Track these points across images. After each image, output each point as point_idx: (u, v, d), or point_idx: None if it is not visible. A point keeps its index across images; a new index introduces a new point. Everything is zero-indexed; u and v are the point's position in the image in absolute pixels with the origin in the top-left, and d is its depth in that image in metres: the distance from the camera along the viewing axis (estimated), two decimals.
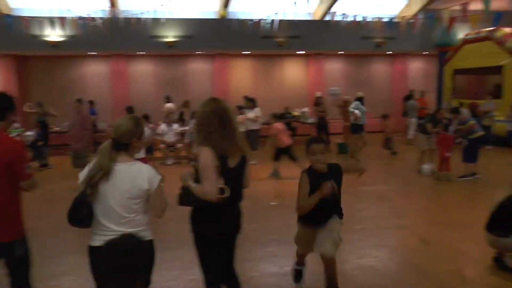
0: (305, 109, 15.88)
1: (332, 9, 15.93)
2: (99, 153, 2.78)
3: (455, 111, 10.31)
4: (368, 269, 4.80)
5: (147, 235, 2.84)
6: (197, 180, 3.00)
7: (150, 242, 2.81)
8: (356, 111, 11.66)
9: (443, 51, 16.59)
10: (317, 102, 14.18)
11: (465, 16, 11.59)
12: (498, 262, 4.72)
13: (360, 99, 12.02)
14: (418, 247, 5.51)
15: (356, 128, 11.86)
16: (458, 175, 9.27)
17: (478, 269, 4.82)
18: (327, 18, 16.25)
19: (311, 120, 15.10)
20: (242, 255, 5.05)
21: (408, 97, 15.77)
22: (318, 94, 15.25)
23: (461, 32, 15.93)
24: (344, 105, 12.87)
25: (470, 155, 9.29)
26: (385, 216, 6.89)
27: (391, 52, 18.26)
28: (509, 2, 9.54)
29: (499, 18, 10.60)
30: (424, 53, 18.54)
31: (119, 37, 14.82)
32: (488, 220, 4.77)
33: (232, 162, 3.09)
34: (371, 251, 5.33)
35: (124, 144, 2.80)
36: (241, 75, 17.65)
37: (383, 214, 7.01)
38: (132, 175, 2.77)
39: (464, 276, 4.67)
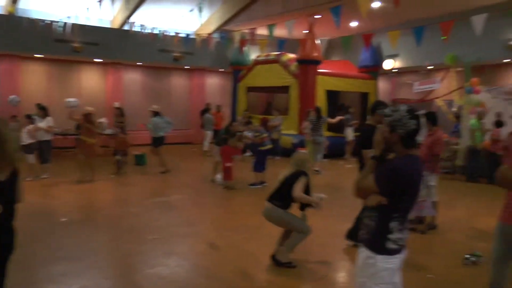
0: (103, 120, 15.26)
1: (131, 19, 15.74)
2: None
3: (249, 122, 11.02)
4: (159, 278, 4.81)
5: None
6: None
7: None
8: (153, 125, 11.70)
9: (237, 70, 17.90)
10: (117, 113, 13.77)
11: (253, 39, 12.62)
12: (274, 260, 5.17)
13: (157, 114, 11.98)
14: (207, 252, 5.76)
15: (157, 140, 11.87)
16: (248, 183, 9.98)
17: (260, 267, 5.20)
18: (126, 27, 16.01)
19: (109, 131, 14.57)
20: (27, 278, 4.61)
21: (205, 110, 16.46)
22: (117, 104, 14.84)
23: (253, 54, 17.35)
24: (86, 118, 10.33)
25: (259, 165, 10.07)
26: (177, 224, 7.01)
27: (189, 67, 18.85)
28: (288, 32, 10.70)
29: (282, 44, 11.80)
30: (220, 70, 19.59)
31: None
32: (272, 191, 5.31)
33: (1, 176, 2.89)
34: (162, 260, 5.36)
35: None
36: (33, 81, 16.01)
37: (175, 223, 7.13)
38: None
39: (247, 274, 5.01)
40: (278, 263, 5.14)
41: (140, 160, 12.85)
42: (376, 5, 13.80)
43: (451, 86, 13.38)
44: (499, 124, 10.52)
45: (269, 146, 10.24)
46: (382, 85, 18.89)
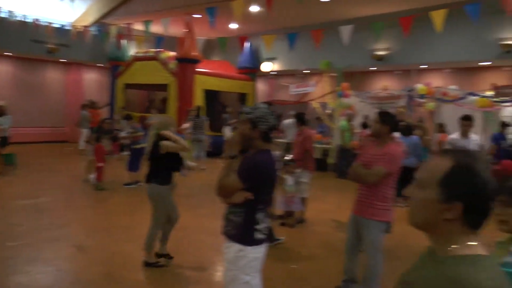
0: None
1: None
2: None
3: (128, 117, 10.72)
4: (19, 286, 4.56)
5: None
6: None
7: None
8: None
9: (116, 65, 17.32)
10: None
11: (130, 35, 12.37)
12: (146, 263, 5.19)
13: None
14: (74, 255, 5.56)
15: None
16: (123, 183, 9.81)
17: (130, 268, 5.16)
18: None
19: None
20: None
21: (82, 107, 15.74)
22: None
23: (132, 49, 16.94)
24: None
25: (133, 164, 9.91)
26: (44, 228, 6.62)
27: (65, 60, 17.86)
28: (164, 30, 10.65)
29: (160, 41, 11.72)
30: (98, 64, 18.82)
31: None
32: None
33: None
34: (23, 267, 5.04)
35: None
36: None
37: (42, 226, 6.71)
38: None
39: (116, 276, 4.92)
40: (147, 264, 5.15)
41: (8, 160, 11.91)
42: (254, 9, 14.27)
43: (324, 89, 14.34)
44: (365, 125, 11.50)
45: (144, 145, 10.05)
46: (261, 86, 19.59)
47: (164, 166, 5.03)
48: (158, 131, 5.08)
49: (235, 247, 2.91)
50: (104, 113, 16.53)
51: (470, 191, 1.26)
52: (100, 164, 9.42)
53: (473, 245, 1.27)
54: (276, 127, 3.01)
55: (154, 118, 14.66)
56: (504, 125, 10.23)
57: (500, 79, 13.05)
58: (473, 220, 1.28)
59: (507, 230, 2.05)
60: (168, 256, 5.31)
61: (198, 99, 15.05)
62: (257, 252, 2.93)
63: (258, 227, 2.91)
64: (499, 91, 10.29)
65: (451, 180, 1.27)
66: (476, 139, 7.11)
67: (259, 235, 2.93)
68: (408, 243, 6.27)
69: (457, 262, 1.24)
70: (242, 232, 2.92)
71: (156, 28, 13.11)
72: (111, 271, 5.05)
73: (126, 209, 8.10)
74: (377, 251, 4.22)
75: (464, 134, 6.96)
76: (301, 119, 7.28)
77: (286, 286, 4.94)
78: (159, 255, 5.29)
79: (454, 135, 7.24)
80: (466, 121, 6.89)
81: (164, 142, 4.94)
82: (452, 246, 1.27)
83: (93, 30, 15.57)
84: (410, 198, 1.37)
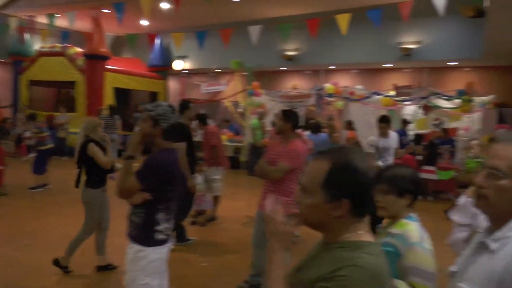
0: None
1: None
2: None
3: (32, 117, 10.10)
4: None
5: None
6: None
7: None
8: None
9: (19, 60, 16.21)
10: None
11: (33, 28, 11.69)
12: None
13: None
14: None
15: None
16: (29, 187, 9.29)
17: (31, 276, 4.89)
18: None
19: None
20: None
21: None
22: None
23: (36, 44, 15.97)
24: None
25: (39, 166, 9.39)
26: None
27: None
28: (69, 24, 10.14)
29: (66, 36, 11.18)
30: None
31: None
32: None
33: None
34: None
35: None
36: None
37: None
38: None
39: (17, 286, 4.65)
40: (57, 266, 4.94)
41: None
42: (164, 6, 14.07)
43: (236, 88, 14.48)
44: (275, 124, 11.74)
45: (49, 146, 9.57)
46: (172, 85, 19.38)
47: (94, 169, 4.87)
48: (86, 132, 4.93)
49: (135, 248, 2.87)
50: (6, 112, 15.46)
51: (352, 186, 1.32)
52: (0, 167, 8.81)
53: (361, 233, 1.36)
54: (177, 125, 2.99)
55: (63, 117, 14.06)
56: (405, 122, 11.00)
57: (401, 79, 13.96)
58: (360, 211, 1.36)
59: (386, 215, 2.25)
60: (110, 266, 5.08)
61: (108, 98, 14.58)
62: (158, 253, 2.89)
63: (158, 227, 2.88)
64: (400, 91, 11.00)
65: (333, 180, 1.33)
66: (394, 136, 7.35)
67: (160, 236, 2.89)
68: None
69: (344, 247, 1.33)
70: (141, 232, 2.88)
71: (61, 22, 12.47)
72: (11, 281, 4.76)
73: (31, 214, 7.63)
74: None
75: (383, 134, 7.16)
76: (202, 119, 7.28)
77: (196, 284, 4.96)
78: (100, 267, 5.06)
79: (373, 137, 7.42)
80: (383, 123, 7.10)
81: (92, 146, 4.79)
82: (346, 236, 1.35)
83: None
84: (298, 203, 1.41)
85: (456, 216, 3.70)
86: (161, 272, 2.96)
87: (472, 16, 10.85)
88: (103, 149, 4.92)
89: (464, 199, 3.72)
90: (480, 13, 10.23)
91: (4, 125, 9.50)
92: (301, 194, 1.40)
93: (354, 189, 1.32)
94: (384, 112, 11.78)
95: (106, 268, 5.04)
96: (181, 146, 5.17)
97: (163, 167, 2.87)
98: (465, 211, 3.63)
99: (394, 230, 2.16)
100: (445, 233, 6.47)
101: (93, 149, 4.78)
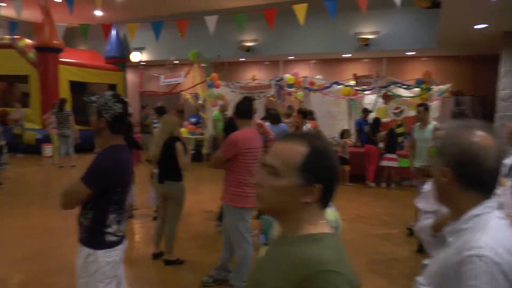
0: None
1: None
2: None
3: None
4: None
5: None
6: None
7: None
8: None
9: None
10: None
11: None
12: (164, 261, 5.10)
13: None
14: None
15: None
16: None
17: None
18: None
19: None
20: None
21: None
22: None
23: None
24: None
25: None
26: None
27: None
28: (17, 14, 9.61)
29: (14, 27, 10.64)
30: None
31: None
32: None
33: None
34: None
35: None
36: None
37: None
38: None
39: None
40: (168, 262, 5.14)
41: None
42: None
43: (195, 80, 14.25)
44: None
45: (2, 142, 9.13)
46: (130, 77, 18.95)
47: (175, 164, 5.09)
48: (170, 129, 5.23)
49: (85, 251, 2.66)
50: None
51: (328, 172, 1.29)
52: None
53: (322, 224, 1.31)
54: (123, 115, 2.68)
55: (17, 113, 13.48)
56: (366, 111, 11.08)
57: (360, 69, 14.08)
58: (326, 198, 1.31)
59: None
60: (178, 261, 5.26)
61: (64, 91, 14.09)
62: (110, 256, 2.68)
63: (109, 229, 2.67)
64: (360, 80, 11.05)
65: (310, 164, 1.27)
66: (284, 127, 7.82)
67: (110, 238, 2.68)
68: None
69: (304, 241, 1.26)
70: (91, 234, 2.67)
71: (7, 11, 11.89)
72: None
73: None
74: (241, 237, 4.27)
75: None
76: (159, 112, 7.23)
77: (157, 282, 4.82)
78: (155, 255, 5.34)
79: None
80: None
81: (179, 145, 5.10)
82: (306, 226, 1.29)
83: None
84: (258, 185, 1.32)
85: (421, 203, 3.69)
86: (115, 276, 2.74)
87: (427, 7, 11.00)
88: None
89: (429, 186, 3.71)
90: (435, 4, 10.37)
91: None
92: (267, 176, 1.30)
93: (329, 174, 1.29)
94: (343, 101, 11.97)
95: (174, 263, 5.21)
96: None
97: (108, 171, 2.61)
98: (430, 198, 3.62)
99: None
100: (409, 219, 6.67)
101: (179, 147, 5.06)
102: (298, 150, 1.28)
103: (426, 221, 3.66)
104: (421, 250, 5.61)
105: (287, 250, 1.28)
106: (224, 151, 4.17)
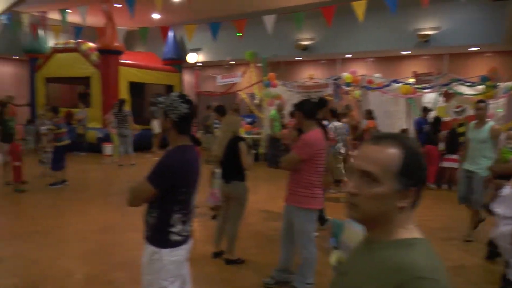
0: None
1: None
2: None
3: (54, 110, 9.99)
4: None
5: None
6: None
7: None
8: None
9: (34, 58, 16.24)
10: None
11: (45, 24, 11.62)
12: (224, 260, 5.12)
13: None
14: None
15: None
16: (48, 183, 9.28)
17: (47, 277, 4.80)
18: None
19: None
20: None
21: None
22: None
23: (50, 40, 15.95)
24: None
25: (57, 163, 9.34)
26: None
27: None
28: (82, 19, 10.05)
29: (79, 32, 11.10)
30: (14, 57, 17.59)
31: None
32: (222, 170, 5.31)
33: None
34: None
35: None
36: None
37: None
38: None
39: (33, 287, 4.57)
40: (229, 262, 5.19)
41: None
42: None
43: (251, 80, 14.31)
44: (293, 115, 11.55)
45: (66, 142, 9.51)
46: (187, 78, 19.28)
47: (238, 163, 5.10)
48: (234, 129, 5.27)
49: (150, 249, 2.71)
50: (23, 111, 15.50)
51: (422, 174, 1.26)
52: (17, 164, 8.79)
53: (413, 228, 1.27)
54: (190, 116, 2.70)
55: (81, 113, 14.04)
56: (426, 110, 10.70)
57: (420, 67, 13.63)
58: (418, 201, 1.27)
59: None
60: (239, 260, 5.29)
61: (123, 92, 14.54)
62: (174, 255, 2.70)
63: (173, 229, 2.70)
64: (420, 78, 10.71)
65: (409, 167, 1.23)
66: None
67: (175, 237, 2.71)
68: None
69: (397, 246, 1.22)
70: (156, 233, 2.71)
71: (73, 18, 12.40)
72: (29, 281, 4.66)
73: (49, 211, 7.60)
74: (308, 240, 4.21)
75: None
76: (220, 111, 7.21)
77: (219, 280, 4.84)
78: (216, 254, 5.40)
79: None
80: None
81: (243, 145, 5.11)
82: (399, 230, 1.25)
83: (2, 19, 14.44)
84: (353, 194, 1.26)
85: (499, 208, 3.43)
86: (179, 275, 2.78)
87: (494, 0, 10.53)
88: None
89: (508, 190, 3.45)
90: None
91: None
92: (364, 184, 1.25)
93: (423, 176, 1.27)
94: (402, 100, 11.61)
95: (235, 262, 5.23)
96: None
97: (174, 170, 2.63)
98: (510, 202, 3.37)
99: None
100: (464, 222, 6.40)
101: (243, 147, 5.07)
102: (394, 153, 1.23)
103: (506, 228, 3.43)
104: (492, 257, 5.34)
105: (379, 256, 1.23)
106: (300, 153, 4.09)
